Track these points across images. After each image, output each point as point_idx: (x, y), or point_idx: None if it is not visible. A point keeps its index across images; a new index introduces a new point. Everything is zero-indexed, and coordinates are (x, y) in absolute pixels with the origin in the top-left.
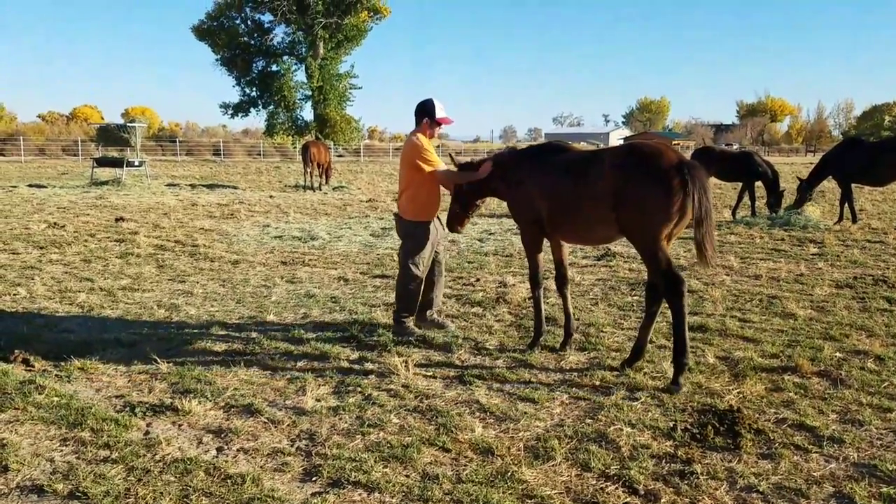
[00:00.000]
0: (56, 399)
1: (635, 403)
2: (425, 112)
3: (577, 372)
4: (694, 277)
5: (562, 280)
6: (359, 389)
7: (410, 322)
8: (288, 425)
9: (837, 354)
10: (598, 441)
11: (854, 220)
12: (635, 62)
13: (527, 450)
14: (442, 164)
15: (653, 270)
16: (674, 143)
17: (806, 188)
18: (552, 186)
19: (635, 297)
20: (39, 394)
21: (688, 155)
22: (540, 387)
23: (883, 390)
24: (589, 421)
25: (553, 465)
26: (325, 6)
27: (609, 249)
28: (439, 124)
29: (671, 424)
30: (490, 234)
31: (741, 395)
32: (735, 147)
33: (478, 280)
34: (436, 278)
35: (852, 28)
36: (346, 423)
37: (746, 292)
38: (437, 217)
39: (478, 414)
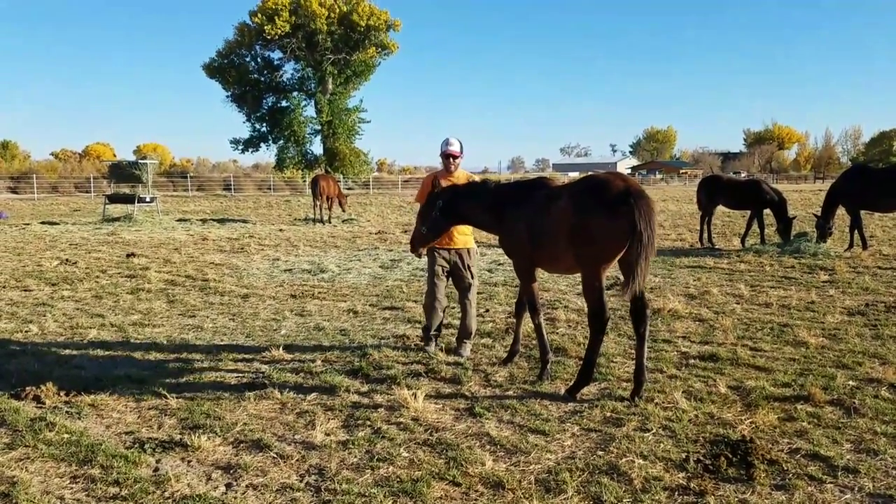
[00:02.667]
0: (66, 436)
1: (647, 434)
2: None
3: (587, 403)
4: (704, 306)
5: (522, 307)
6: (368, 423)
7: (432, 343)
8: (297, 460)
9: (850, 383)
10: (609, 473)
11: (864, 247)
12: (642, 92)
13: (538, 483)
14: (422, 201)
15: (587, 298)
16: (681, 171)
17: (823, 224)
18: (532, 222)
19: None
20: (50, 431)
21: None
22: (550, 418)
23: None
24: (600, 453)
25: (564, 499)
26: (333, 43)
27: (619, 279)
28: (447, 157)
29: (683, 455)
30: (499, 264)
31: (754, 425)
32: (743, 175)
33: (487, 310)
34: (461, 309)
35: (859, 54)
36: (355, 457)
37: (757, 320)
38: (447, 249)
39: (488, 447)
